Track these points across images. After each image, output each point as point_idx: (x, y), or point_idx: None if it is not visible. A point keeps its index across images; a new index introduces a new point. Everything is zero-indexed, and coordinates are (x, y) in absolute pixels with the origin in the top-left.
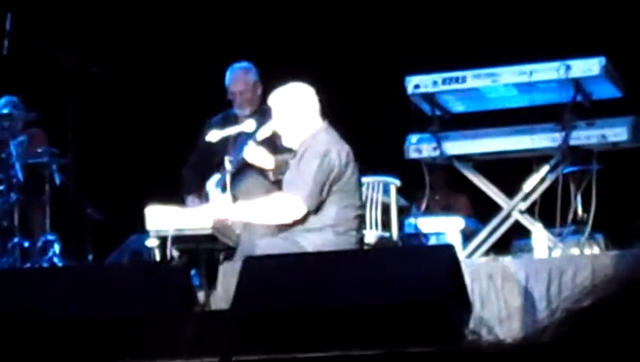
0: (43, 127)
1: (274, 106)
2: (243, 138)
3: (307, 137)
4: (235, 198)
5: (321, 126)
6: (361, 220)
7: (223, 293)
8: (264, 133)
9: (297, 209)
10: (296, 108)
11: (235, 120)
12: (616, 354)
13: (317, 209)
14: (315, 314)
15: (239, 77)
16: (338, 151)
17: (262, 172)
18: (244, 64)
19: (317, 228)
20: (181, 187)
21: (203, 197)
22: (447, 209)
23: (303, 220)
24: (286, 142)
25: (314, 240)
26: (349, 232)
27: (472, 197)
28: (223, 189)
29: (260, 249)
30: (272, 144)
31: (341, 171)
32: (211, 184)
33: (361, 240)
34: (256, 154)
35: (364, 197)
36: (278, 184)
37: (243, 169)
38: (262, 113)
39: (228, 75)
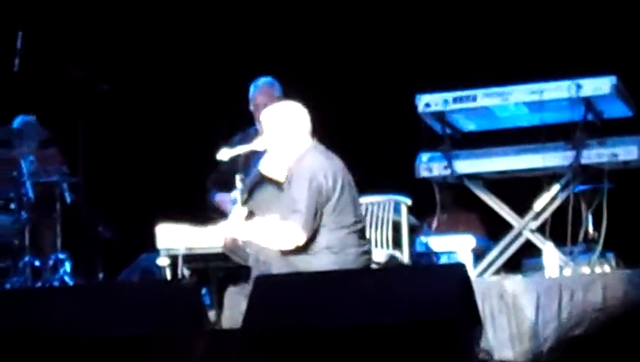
0: (57, 145)
1: (265, 123)
2: (256, 156)
3: (294, 161)
4: (252, 213)
5: (308, 146)
6: (359, 235)
7: (230, 314)
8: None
9: (297, 237)
10: (285, 127)
11: (255, 136)
12: None
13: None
14: (326, 334)
15: (263, 90)
16: (324, 172)
17: (278, 185)
18: (269, 79)
19: (313, 251)
20: (207, 193)
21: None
22: (458, 228)
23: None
24: (273, 159)
25: (313, 264)
26: (346, 250)
27: (482, 216)
28: (242, 203)
29: (268, 269)
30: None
31: (329, 193)
32: (232, 198)
33: (364, 254)
34: (272, 167)
35: (374, 217)
36: None
37: (260, 182)
38: None
39: (252, 88)
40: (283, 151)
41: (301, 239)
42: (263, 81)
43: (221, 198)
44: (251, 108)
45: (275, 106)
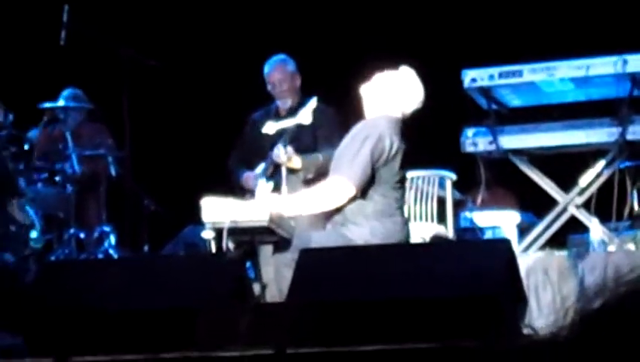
0: (102, 119)
1: (381, 75)
2: (298, 130)
3: (369, 118)
4: (278, 187)
5: (390, 115)
6: (402, 209)
7: (275, 285)
8: (305, 117)
9: (346, 191)
10: (388, 90)
11: (276, 113)
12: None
13: (361, 197)
14: (371, 307)
15: (276, 67)
16: (391, 140)
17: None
18: (282, 56)
19: (361, 218)
20: (231, 175)
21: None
22: (503, 203)
23: (350, 206)
24: (365, 107)
25: (361, 232)
26: (394, 218)
27: (527, 192)
28: (268, 178)
29: (312, 242)
30: (311, 135)
31: (389, 159)
32: (257, 173)
33: (406, 225)
34: (284, 156)
35: (419, 191)
36: (307, 183)
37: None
38: (303, 106)
39: (266, 67)
40: (369, 104)
41: (350, 191)
42: (275, 59)
43: (247, 175)
44: (268, 87)
45: (401, 69)
